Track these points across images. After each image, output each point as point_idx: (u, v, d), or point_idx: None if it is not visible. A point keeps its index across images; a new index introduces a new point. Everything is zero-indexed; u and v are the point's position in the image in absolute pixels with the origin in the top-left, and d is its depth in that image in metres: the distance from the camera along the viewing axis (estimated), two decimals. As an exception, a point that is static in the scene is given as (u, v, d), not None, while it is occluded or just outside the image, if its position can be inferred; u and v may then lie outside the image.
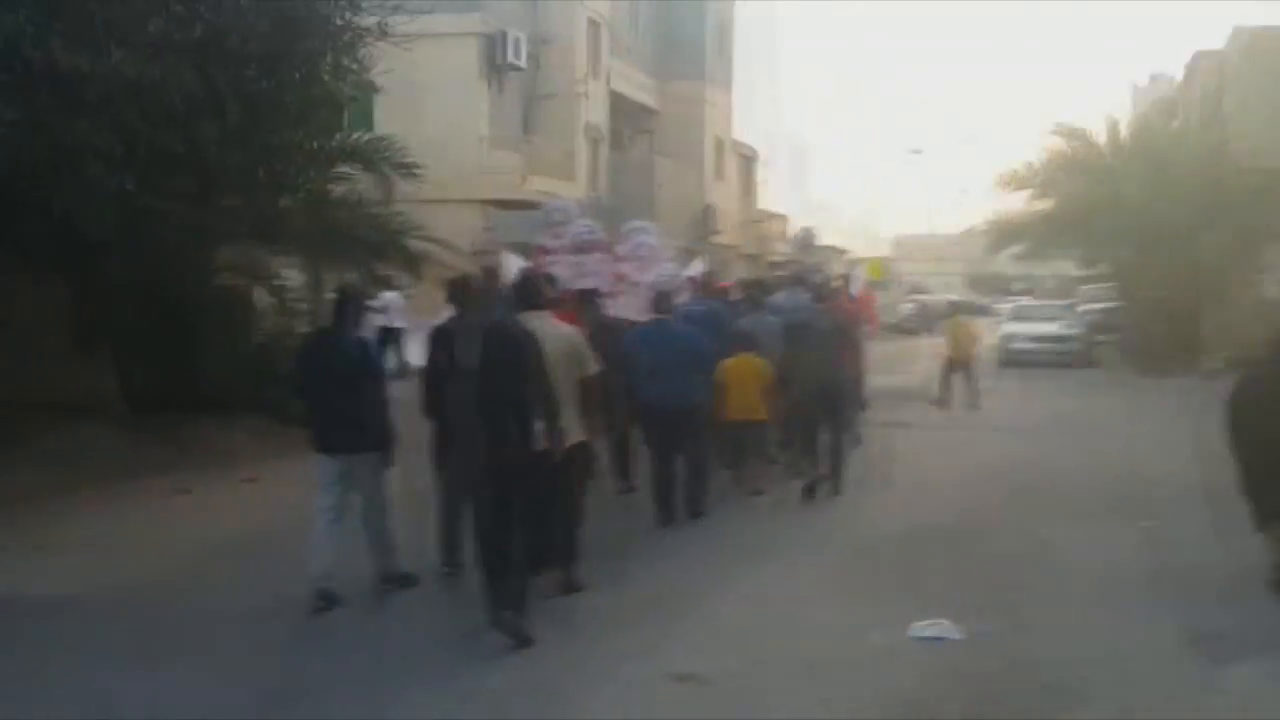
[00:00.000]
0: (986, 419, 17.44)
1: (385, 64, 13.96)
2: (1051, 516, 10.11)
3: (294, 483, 11.65)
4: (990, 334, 27.20)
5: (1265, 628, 6.89)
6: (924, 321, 38.62)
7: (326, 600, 7.28)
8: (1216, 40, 35.66)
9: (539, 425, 6.63)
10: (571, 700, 5.88)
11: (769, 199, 51.39)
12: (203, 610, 7.47)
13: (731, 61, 44.09)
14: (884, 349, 19.87)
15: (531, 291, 7.36)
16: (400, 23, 13.86)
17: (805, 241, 31.70)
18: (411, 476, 8.04)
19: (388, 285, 18.05)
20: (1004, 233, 31.41)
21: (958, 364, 18.97)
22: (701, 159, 39.97)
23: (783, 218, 49.73)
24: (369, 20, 13.42)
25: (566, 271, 8.70)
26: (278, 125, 12.53)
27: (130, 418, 13.47)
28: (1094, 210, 27.08)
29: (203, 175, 11.72)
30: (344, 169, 15.68)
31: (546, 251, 9.03)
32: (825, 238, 40.15)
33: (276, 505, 10.58)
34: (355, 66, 13.38)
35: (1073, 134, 28.72)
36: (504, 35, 28.30)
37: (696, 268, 12.71)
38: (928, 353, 19.48)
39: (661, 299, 9.88)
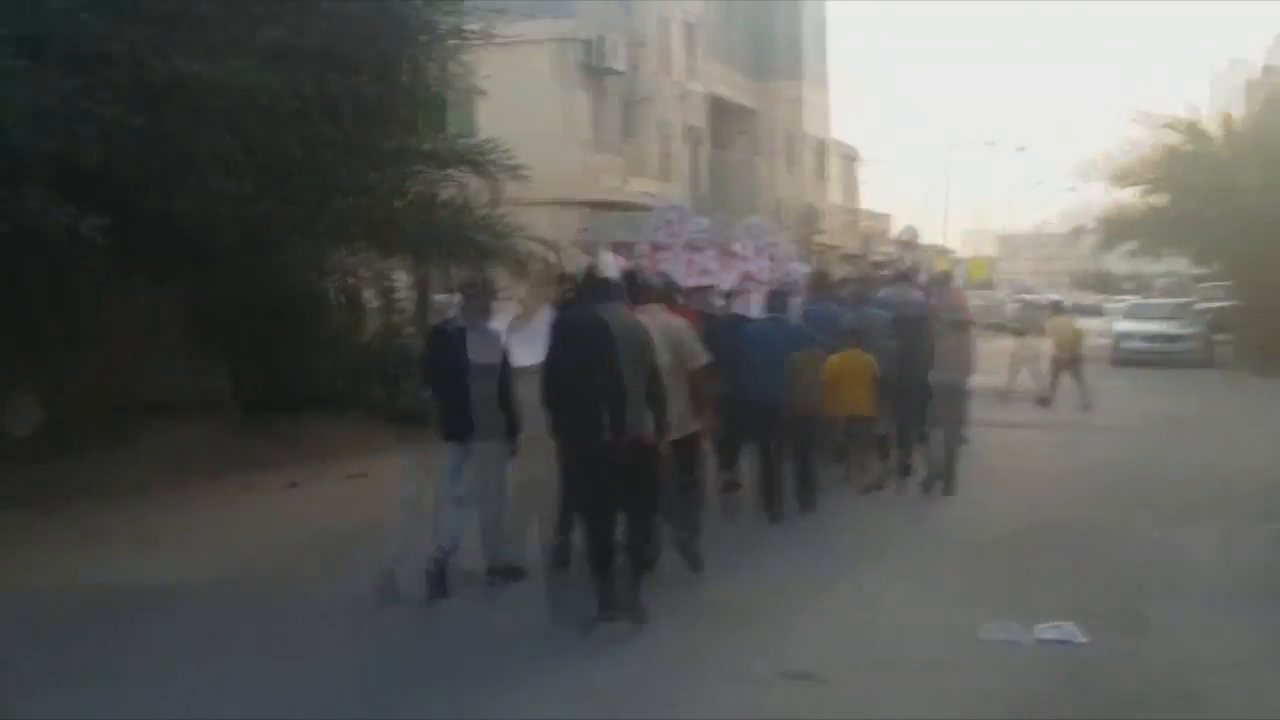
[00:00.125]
0: (1098, 418, 17.10)
1: (490, 69, 14.12)
2: (1167, 517, 9.90)
3: (398, 478, 11.91)
4: (1098, 334, 26.63)
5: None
6: (1030, 321, 37.91)
7: (440, 567, 7.39)
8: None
9: (647, 416, 6.64)
10: (686, 698, 5.84)
11: (871, 198, 51.00)
12: (308, 602, 7.59)
13: (827, 60, 43.78)
14: (989, 348, 19.51)
15: (641, 286, 7.41)
16: (500, 27, 14.01)
17: (909, 240, 31.40)
18: (531, 468, 8.07)
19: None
20: (1116, 230, 30.72)
21: (1064, 363, 18.76)
22: (801, 158, 39.74)
23: (885, 216, 49.26)
24: (473, 25, 13.56)
25: (680, 269, 8.73)
26: (389, 129, 12.73)
27: (240, 415, 13.81)
28: (1209, 205, 26.38)
29: (317, 180, 11.91)
30: (452, 171, 15.88)
31: (659, 249, 9.07)
32: (927, 237, 39.70)
33: (381, 500, 10.75)
34: (460, 71, 13.53)
35: (1187, 127, 27.96)
36: (601, 40, 28.49)
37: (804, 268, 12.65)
38: (1033, 352, 19.20)
39: (776, 297, 9.87)
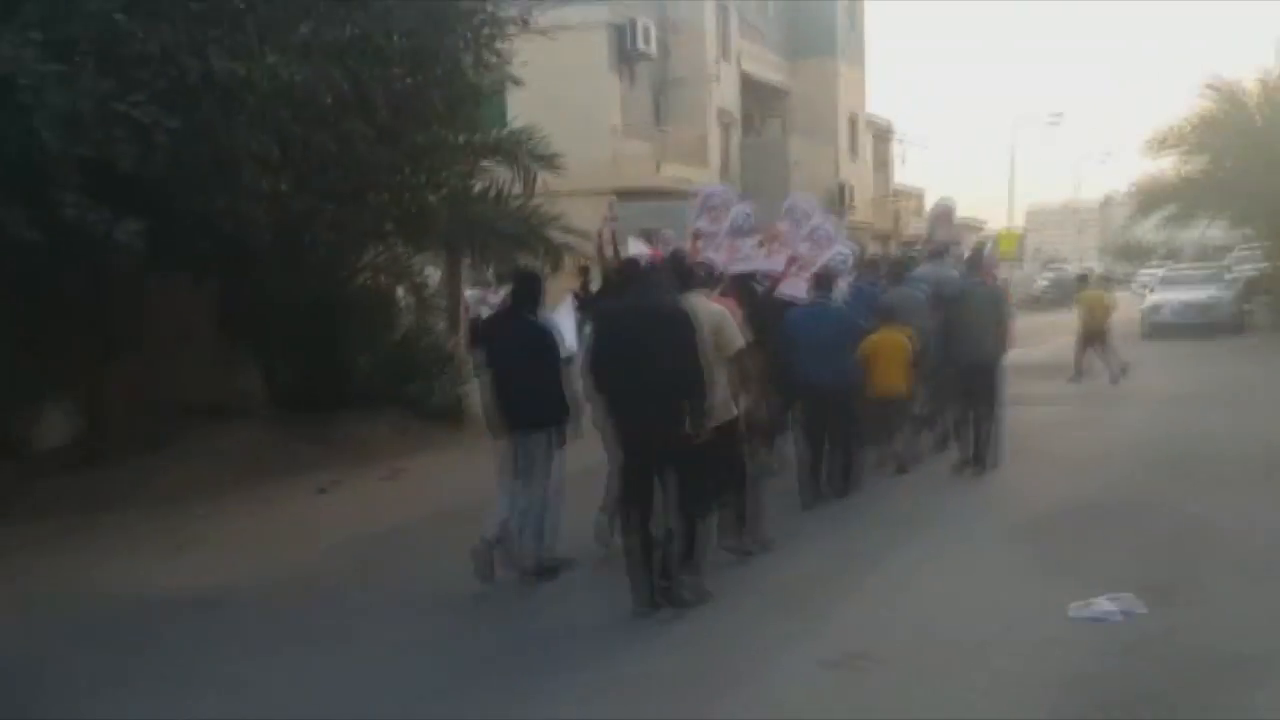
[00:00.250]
0: (1132, 390, 16.94)
1: (520, 57, 14.04)
2: (1206, 489, 9.81)
3: (436, 477, 11.98)
4: (1129, 304, 26.27)
5: None
6: (1061, 294, 37.64)
7: (487, 545, 7.52)
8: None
9: (691, 404, 6.65)
10: (741, 682, 5.84)
11: (906, 174, 50.63)
12: (349, 603, 7.62)
13: (863, 36, 43.42)
14: (1020, 323, 19.37)
15: (686, 272, 7.41)
16: (535, 15, 13.96)
17: (943, 214, 31.09)
18: (583, 457, 8.12)
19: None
20: (1150, 198, 30.39)
21: (1092, 337, 18.56)
22: (835, 136, 39.46)
23: (918, 193, 48.87)
24: (508, 14, 13.49)
25: (723, 255, 8.69)
26: (424, 121, 12.70)
27: (277, 416, 13.83)
28: (1246, 171, 26.03)
29: (353, 174, 11.92)
30: (486, 163, 15.87)
31: (701, 235, 9.04)
32: (988, 216, 39.38)
33: (419, 499, 10.84)
34: (495, 60, 13.47)
35: (1222, 92, 27.58)
36: (633, 24, 28.43)
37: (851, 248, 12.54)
38: (1064, 326, 18.96)
39: (821, 280, 9.84)
